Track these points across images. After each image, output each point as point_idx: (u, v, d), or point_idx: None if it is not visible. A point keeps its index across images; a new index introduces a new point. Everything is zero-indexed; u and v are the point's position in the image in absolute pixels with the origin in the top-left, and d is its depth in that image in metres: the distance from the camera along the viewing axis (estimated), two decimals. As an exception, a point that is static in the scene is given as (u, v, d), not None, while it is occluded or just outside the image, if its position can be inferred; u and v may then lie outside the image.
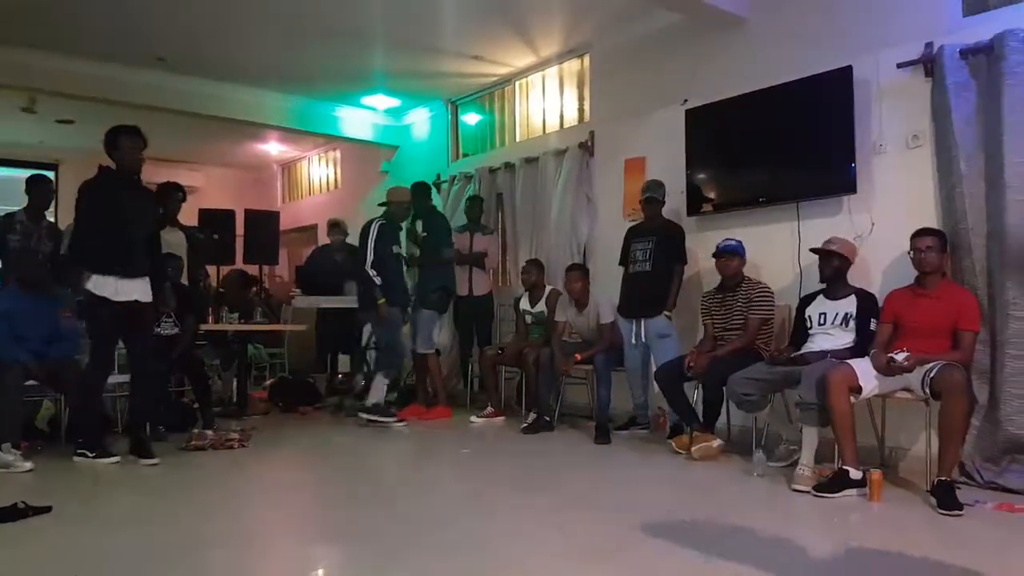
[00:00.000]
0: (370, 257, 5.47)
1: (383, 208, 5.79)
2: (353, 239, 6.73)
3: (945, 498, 3.10)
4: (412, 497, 3.50)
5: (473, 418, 5.67)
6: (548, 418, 5.20)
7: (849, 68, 4.19)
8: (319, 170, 10.45)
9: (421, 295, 5.93)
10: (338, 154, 9.89)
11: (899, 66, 4.04)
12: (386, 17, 5.61)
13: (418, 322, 5.91)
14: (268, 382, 7.31)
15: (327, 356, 7.09)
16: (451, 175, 7.38)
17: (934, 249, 3.58)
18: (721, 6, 4.78)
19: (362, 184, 9.08)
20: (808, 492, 3.42)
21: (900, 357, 3.39)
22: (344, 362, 7.01)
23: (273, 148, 10.13)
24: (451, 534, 2.84)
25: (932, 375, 3.32)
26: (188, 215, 5.93)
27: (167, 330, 5.22)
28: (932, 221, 3.87)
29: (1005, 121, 3.56)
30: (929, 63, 3.93)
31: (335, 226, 7.14)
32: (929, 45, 3.94)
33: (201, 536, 2.81)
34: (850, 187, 4.27)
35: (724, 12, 4.82)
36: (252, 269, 7.12)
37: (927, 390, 3.36)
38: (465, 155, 7.70)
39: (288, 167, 11.11)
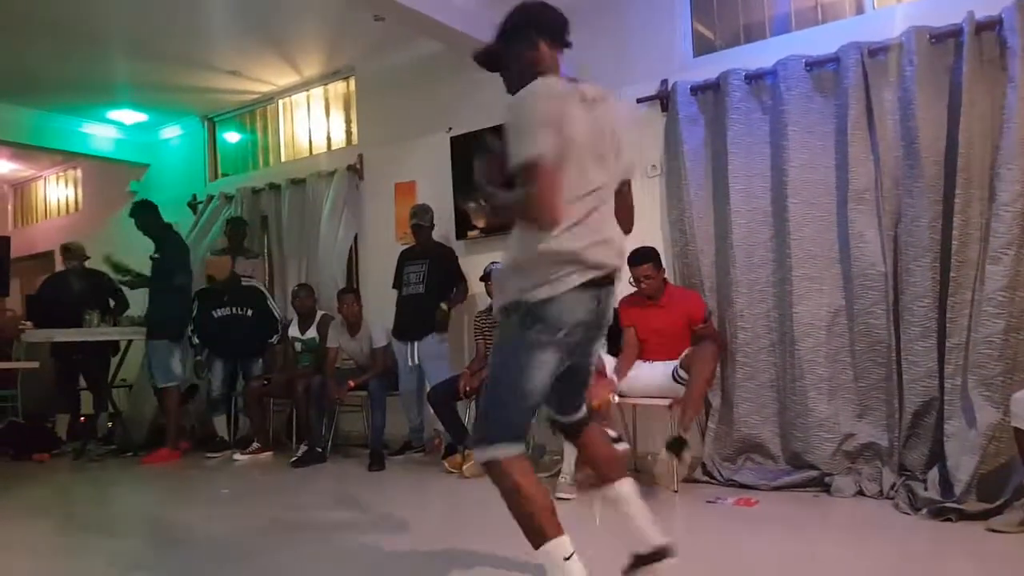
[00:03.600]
0: None
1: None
2: (100, 264, 6.10)
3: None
4: (156, 547, 3.17)
5: (237, 455, 5.30)
6: (320, 449, 4.99)
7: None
8: (57, 190, 9.32)
9: (153, 323, 5.54)
10: (79, 173, 8.89)
11: (639, 101, 4.43)
12: (132, 24, 5.16)
13: (151, 353, 5.54)
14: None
15: (69, 393, 6.27)
16: (208, 195, 6.89)
17: (652, 277, 3.93)
18: (479, 37, 4.94)
19: (107, 205, 8.22)
20: (569, 499, 3.59)
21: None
22: (87, 402, 6.25)
23: (2, 166, 8.92)
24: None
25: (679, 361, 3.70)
26: None
27: None
28: (665, 243, 4.28)
29: (729, 151, 4.02)
30: (664, 98, 4.35)
31: (68, 251, 6.29)
32: (664, 82, 4.36)
33: None
34: (602, 212, 4.59)
35: (481, 43, 4.96)
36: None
37: (679, 373, 3.71)
38: (225, 175, 7.24)
39: (20, 187, 9.81)
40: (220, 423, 5.61)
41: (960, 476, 3.13)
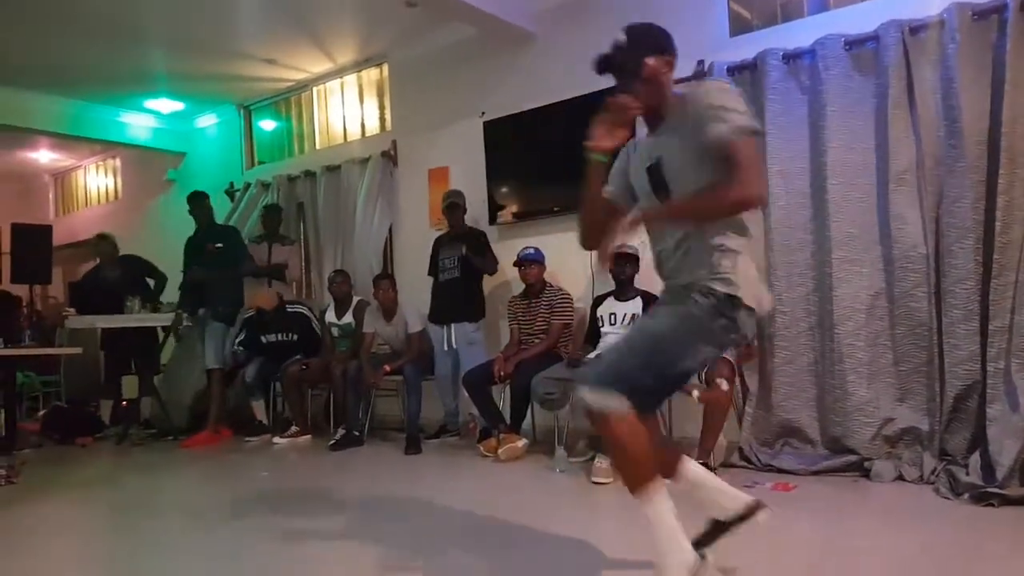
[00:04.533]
0: None
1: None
2: (141, 250, 6.26)
3: None
4: (202, 531, 3.24)
5: (276, 439, 5.40)
6: (357, 433, 5.06)
7: (630, 85, 4.47)
8: (97, 179, 9.52)
9: (216, 307, 5.68)
10: (118, 162, 9.06)
11: (675, 82, 4.38)
12: (168, 14, 5.23)
13: (209, 335, 5.70)
14: (41, 412, 6.54)
15: (115, 380, 6.43)
16: (245, 183, 7.00)
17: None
18: (511, 20, 4.94)
19: (146, 193, 8.39)
20: (605, 483, 3.60)
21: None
22: (130, 386, 6.40)
23: (44, 156, 9.11)
24: (249, 564, 2.67)
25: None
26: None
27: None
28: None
29: (767, 132, 3.94)
30: (701, 79, 4.30)
31: (102, 240, 6.26)
32: (701, 62, 4.31)
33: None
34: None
35: (514, 27, 4.99)
36: (21, 289, 6.31)
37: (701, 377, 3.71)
38: (261, 162, 7.34)
39: (61, 177, 10.03)
40: (259, 407, 5.70)
41: (1003, 461, 3.07)
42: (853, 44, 3.77)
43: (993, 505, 2.97)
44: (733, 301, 1.87)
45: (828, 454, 3.74)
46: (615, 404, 1.83)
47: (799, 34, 3.99)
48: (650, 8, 4.53)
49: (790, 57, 3.95)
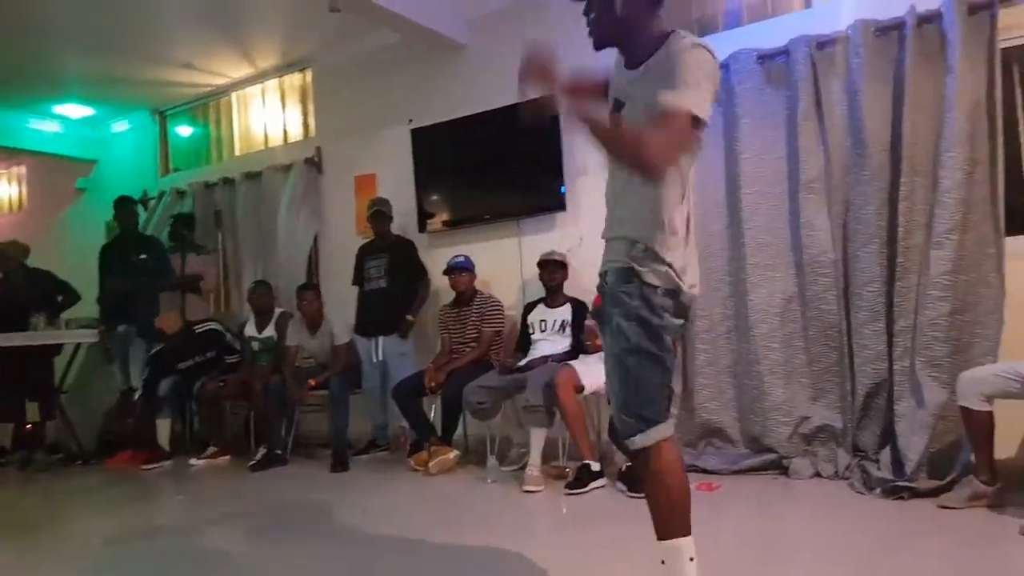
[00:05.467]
0: None
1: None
2: (48, 263, 5.94)
3: (633, 483, 3.40)
4: (110, 558, 3.11)
5: (193, 460, 5.19)
6: (280, 452, 4.91)
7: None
8: (0, 188, 9.01)
9: (139, 324, 5.44)
10: (23, 170, 8.60)
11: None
12: (77, 14, 4.99)
13: (133, 354, 5.47)
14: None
15: (15, 403, 6.06)
16: (160, 191, 6.74)
17: None
18: (439, 29, 4.93)
19: (54, 203, 7.98)
20: (537, 491, 3.63)
21: None
22: (33, 409, 6.05)
23: (-62, 164, 8.57)
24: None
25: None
26: None
27: None
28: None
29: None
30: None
31: (3, 255, 5.89)
32: (623, 75, 4.39)
33: None
34: (561, 205, 4.65)
35: (442, 36, 4.98)
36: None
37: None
38: (176, 169, 7.09)
39: (-41, 185, 9.44)
40: (164, 427, 5.37)
41: (911, 455, 3.25)
42: (765, 58, 3.92)
43: (903, 498, 3.14)
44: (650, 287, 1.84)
45: (749, 453, 3.86)
46: (663, 430, 1.83)
47: (715, 48, 4.09)
48: (575, 23, 4.61)
49: (706, 70, 4.07)
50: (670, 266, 1.84)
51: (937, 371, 3.32)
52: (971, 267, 3.37)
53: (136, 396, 5.42)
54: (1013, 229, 3.48)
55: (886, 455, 3.39)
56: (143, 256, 5.58)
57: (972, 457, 3.01)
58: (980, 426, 2.91)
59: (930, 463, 3.25)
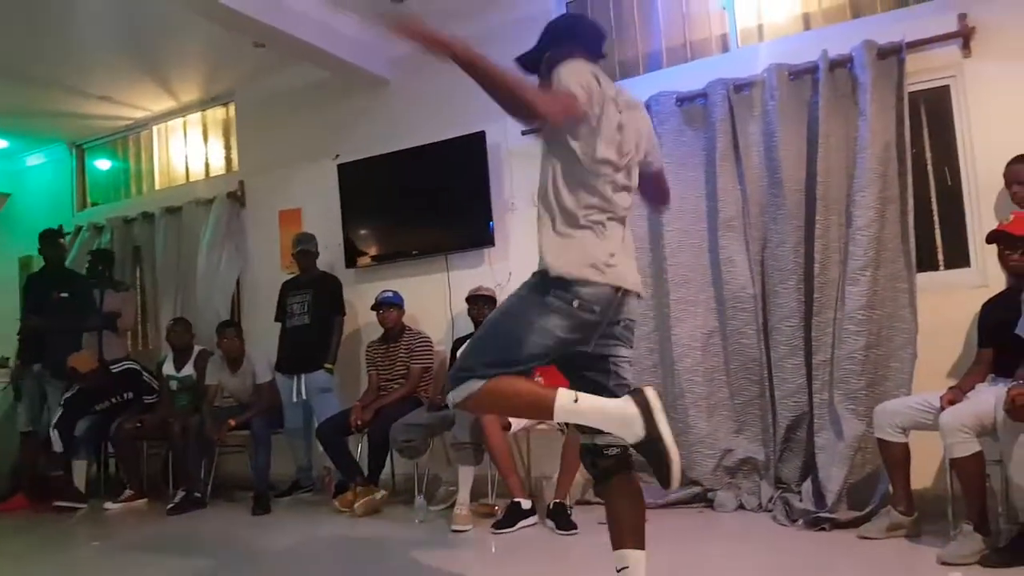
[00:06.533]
0: None
1: None
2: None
3: (561, 519, 3.42)
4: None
5: (108, 504, 4.92)
6: (199, 494, 4.72)
7: (482, 133, 4.56)
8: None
9: (56, 364, 5.14)
10: (-72, 202, 8.16)
11: (523, 133, 4.51)
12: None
13: (52, 393, 5.20)
14: None
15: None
16: (77, 226, 6.48)
17: None
18: (363, 65, 4.92)
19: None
20: (465, 531, 3.56)
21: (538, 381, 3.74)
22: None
23: None
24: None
25: None
26: None
27: None
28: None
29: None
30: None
31: None
32: (544, 115, 4.45)
33: None
34: (489, 241, 4.65)
35: (367, 72, 4.97)
36: None
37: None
38: (94, 204, 6.85)
39: None
40: (80, 469, 5.11)
41: (831, 487, 3.31)
42: (684, 100, 4.04)
43: (825, 529, 3.19)
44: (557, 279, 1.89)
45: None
46: (475, 386, 1.86)
47: (636, 90, 4.10)
48: (500, 63, 4.68)
49: (628, 111, 4.17)
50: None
51: (854, 403, 3.41)
52: (885, 302, 3.49)
53: (44, 436, 5.12)
54: (924, 266, 3.64)
55: (807, 487, 3.44)
56: (64, 294, 5.33)
57: (890, 488, 3.09)
58: (896, 457, 2.99)
59: (850, 494, 3.32)
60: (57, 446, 4.96)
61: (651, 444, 1.79)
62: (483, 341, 1.96)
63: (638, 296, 2.02)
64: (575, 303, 1.88)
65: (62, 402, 5.12)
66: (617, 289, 1.92)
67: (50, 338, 5.24)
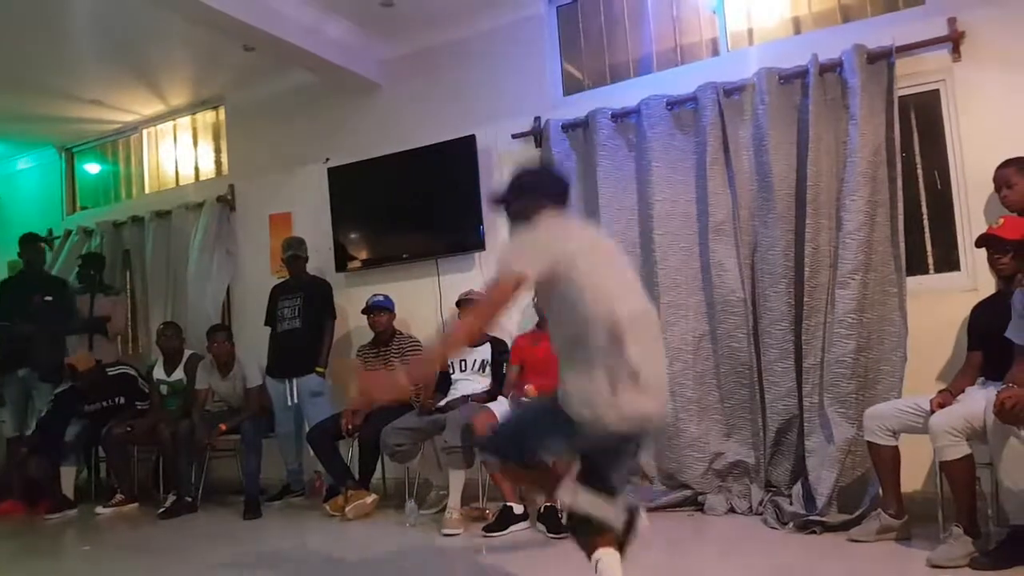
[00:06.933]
0: None
1: None
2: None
3: (552, 523, 3.41)
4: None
5: (100, 509, 4.89)
6: (190, 499, 4.69)
7: (472, 137, 4.57)
8: None
9: (44, 367, 5.16)
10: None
11: (513, 136, 4.53)
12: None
13: (38, 396, 5.19)
14: None
15: None
16: (66, 230, 6.45)
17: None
18: (353, 69, 4.91)
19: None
20: (456, 534, 3.55)
21: (528, 388, 3.73)
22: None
23: None
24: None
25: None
26: None
27: None
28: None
29: (599, 186, 4.15)
30: (538, 135, 4.45)
31: None
32: (537, 119, 4.47)
33: None
34: (480, 245, 4.64)
35: (357, 76, 4.96)
36: None
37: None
38: (83, 208, 6.81)
39: None
40: (69, 475, 5.07)
41: (821, 490, 3.31)
42: (675, 104, 4.04)
43: (815, 532, 3.19)
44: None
45: (665, 490, 3.87)
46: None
47: (627, 94, 4.23)
48: (490, 68, 4.71)
49: (618, 116, 4.18)
50: None
51: (844, 407, 3.42)
52: (875, 306, 3.50)
53: (28, 434, 5.13)
54: (914, 269, 3.65)
55: (798, 490, 3.44)
56: (48, 298, 5.30)
57: (880, 491, 3.09)
58: (886, 460, 3.00)
59: (840, 497, 3.33)
60: (38, 443, 4.98)
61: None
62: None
63: None
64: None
65: (52, 397, 5.12)
66: None
67: (34, 342, 5.21)
